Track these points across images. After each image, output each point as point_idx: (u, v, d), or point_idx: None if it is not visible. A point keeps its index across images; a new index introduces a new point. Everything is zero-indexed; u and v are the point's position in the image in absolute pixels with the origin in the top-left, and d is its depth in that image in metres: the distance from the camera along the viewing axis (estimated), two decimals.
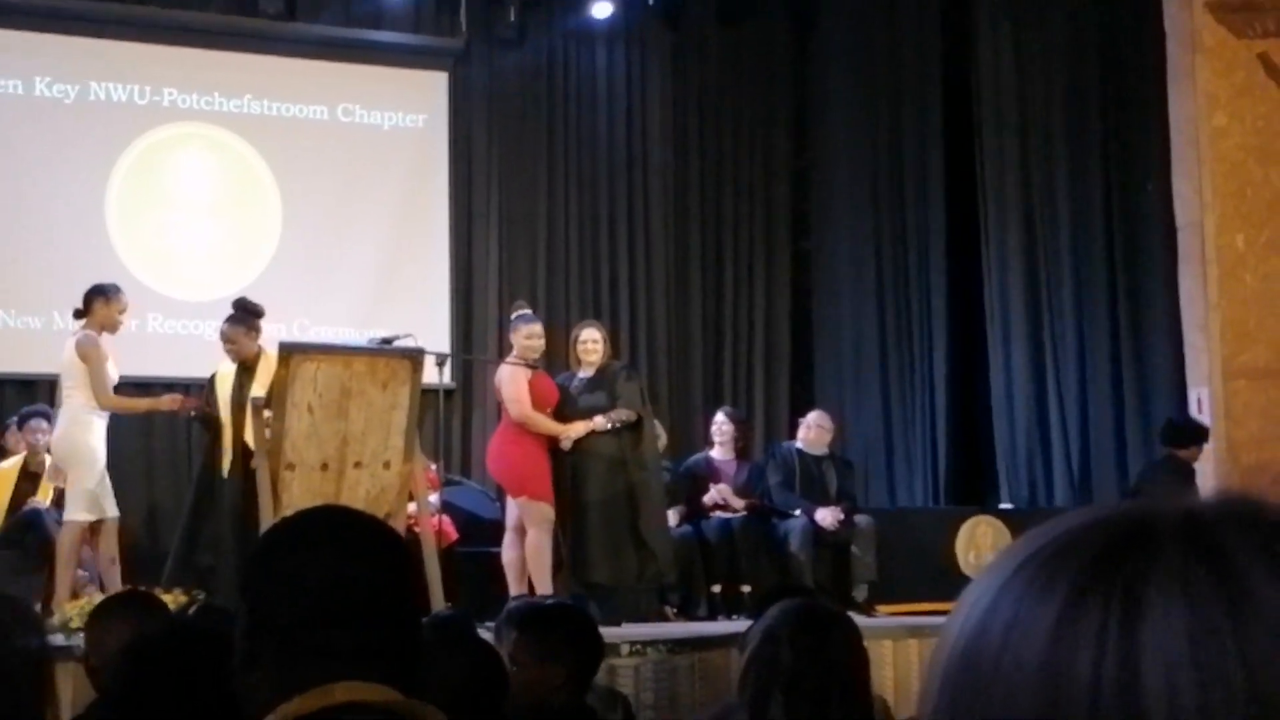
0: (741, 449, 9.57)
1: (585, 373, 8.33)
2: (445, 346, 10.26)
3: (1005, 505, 10.30)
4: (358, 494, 7.24)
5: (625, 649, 6.70)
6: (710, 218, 11.96)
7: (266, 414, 7.19)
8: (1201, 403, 8.65)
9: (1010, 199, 10.65)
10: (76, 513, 7.54)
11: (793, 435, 9.85)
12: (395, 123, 11.18)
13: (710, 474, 9.37)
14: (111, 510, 7.68)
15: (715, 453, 9.50)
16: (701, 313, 11.88)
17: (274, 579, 1.66)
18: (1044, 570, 0.64)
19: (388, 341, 7.58)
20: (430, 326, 10.46)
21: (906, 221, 11.42)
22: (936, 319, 11.15)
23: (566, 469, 7.99)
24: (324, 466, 7.17)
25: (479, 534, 9.34)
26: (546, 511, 7.78)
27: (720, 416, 9.69)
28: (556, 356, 11.06)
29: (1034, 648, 0.62)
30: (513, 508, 7.95)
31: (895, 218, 11.48)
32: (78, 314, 7.68)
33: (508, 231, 11.39)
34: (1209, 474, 8.58)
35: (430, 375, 7.95)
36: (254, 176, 10.82)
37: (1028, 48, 10.65)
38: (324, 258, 10.74)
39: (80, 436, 7.53)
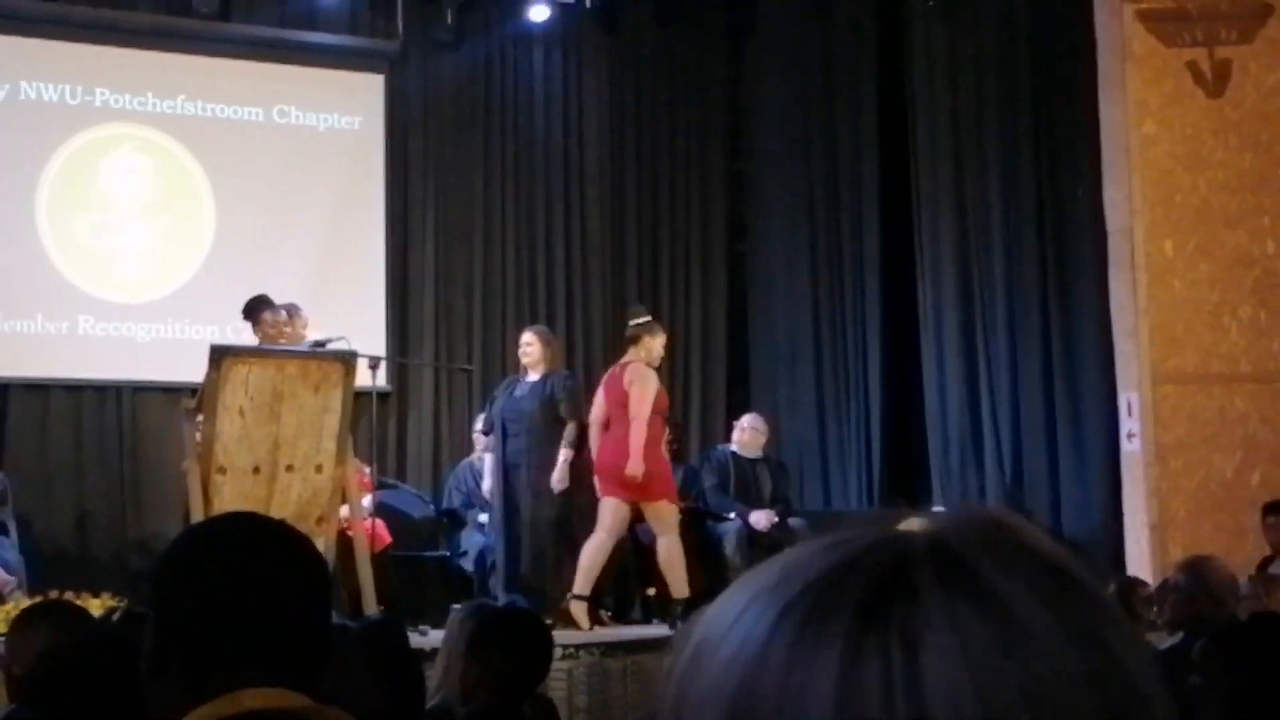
0: (676, 452, 9.59)
1: (530, 377, 8.36)
2: (381, 350, 10.22)
3: (939, 508, 10.30)
4: (289, 498, 7.22)
5: (558, 653, 6.70)
6: (646, 221, 11.98)
7: (198, 418, 7.15)
8: (1131, 407, 8.75)
9: (943, 204, 10.73)
10: None
11: (728, 438, 9.90)
12: (331, 124, 11.12)
13: None
14: None
15: None
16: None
17: (182, 585, 1.66)
18: (813, 619, 0.63)
19: (320, 344, 7.56)
20: (366, 330, 10.42)
21: (841, 226, 11.48)
22: (871, 322, 11.22)
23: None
24: (255, 470, 7.14)
25: (413, 537, 9.33)
26: (676, 513, 8.21)
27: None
28: (493, 363, 11.08)
29: (819, 703, 0.61)
30: (616, 509, 8.03)
31: (830, 222, 11.54)
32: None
33: (444, 235, 11.36)
34: (1138, 479, 8.67)
35: (364, 378, 7.95)
36: (187, 178, 10.73)
37: (961, 55, 10.73)
38: (258, 260, 10.66)
39: None
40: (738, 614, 0.65)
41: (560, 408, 8.24)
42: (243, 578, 1.64)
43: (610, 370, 8.52)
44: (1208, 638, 4.25)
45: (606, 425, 8.22)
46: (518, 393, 8.37)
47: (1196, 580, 5.16)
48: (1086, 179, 9.44)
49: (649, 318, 8.56)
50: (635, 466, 7.91)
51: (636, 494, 8.05)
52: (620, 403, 8.11)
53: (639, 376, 8.10)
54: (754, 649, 0.63)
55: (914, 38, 10.96)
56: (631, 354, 8.26)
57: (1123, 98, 8.82)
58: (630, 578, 8.95)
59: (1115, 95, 8.88)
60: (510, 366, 9.70)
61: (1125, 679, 0.63)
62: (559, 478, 8.15)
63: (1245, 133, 8.74)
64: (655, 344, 8.26)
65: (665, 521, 8.14)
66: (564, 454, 8.16)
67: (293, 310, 8.29)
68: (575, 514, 8.21)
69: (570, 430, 8.24)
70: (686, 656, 0.66)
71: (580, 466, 8.29)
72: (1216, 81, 8.78)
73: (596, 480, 8.19)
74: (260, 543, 1.69)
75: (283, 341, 7.98)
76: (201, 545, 1.72)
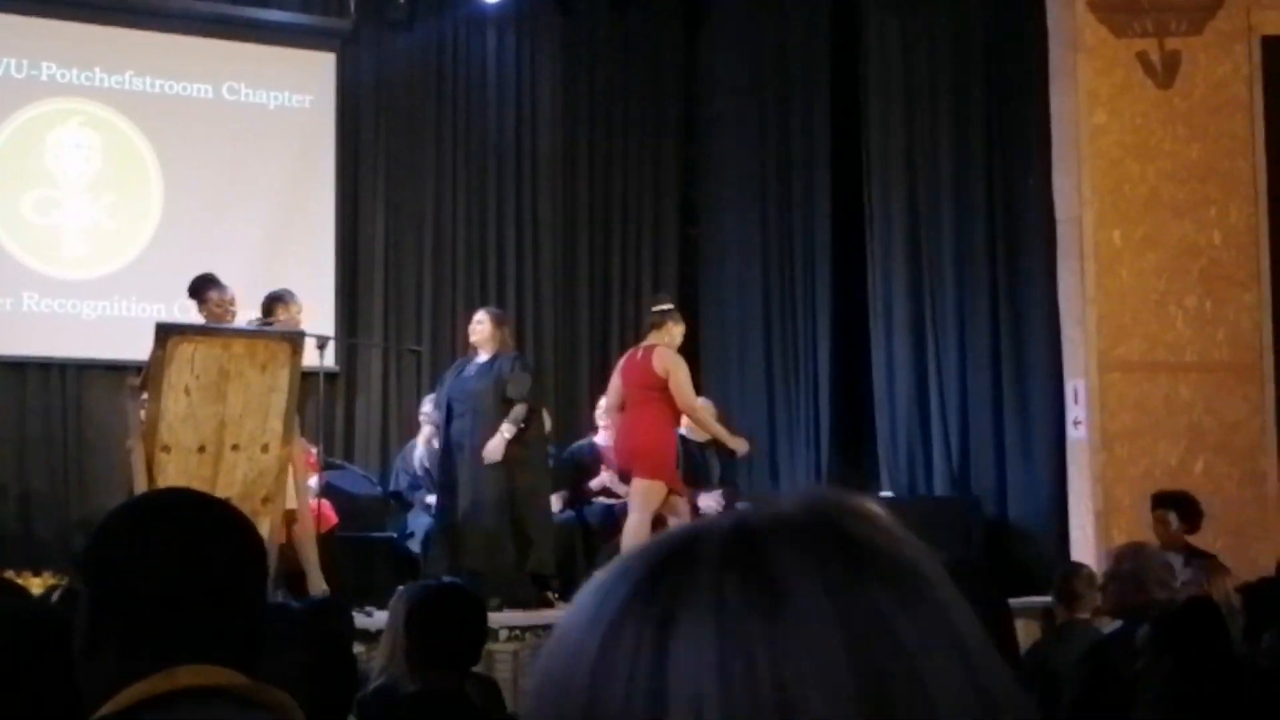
0: None
1: (480, 358, 8.34)
2: (330, 330, 10.17)
3: (886, 493, 10.41)
4: (235, 477, 7.18)
5: (504, 634, 6.71)
6: (598, 203, 11.96)
7: (142, 396, 7.09)
8: (1077, 395, 8.81)
9: (895, 191, 10.76)
10: None
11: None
12: (281, 103, 11.03)
13: (594, 460, 9.38)
14: None
15: (599, 438, 9.52)
16: (589, 299, 11.87)
17: (116, 560, 1.64)
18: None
19: (267, 323, 7.51)
20: (315, 310, 10.36)
21: (793, 211, 11.50)
22: (821, 308, 11.25)
23: None
24: (201, 449, 7.09)
25: (360, 518, 9.29)
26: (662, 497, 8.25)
27: (605, 403, 9.70)
28: (442, 345, 11.05)
29: (580, 678, 0.61)
30: (648, 490, 8.11)
31: (782, 207, 11.56)
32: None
33: (394, 216, 11.30)
34: (1083, 466, 8.74)
35: (312, 358, 7.91)
36: (135, 154, 10.62)
37: (914, 43, 10.75)
38: (207, 238, 10.56)
39: None
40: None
41: (508, 388, 8.21)
42: (178, 553, 1.62)
43: (629, 354, 8.58)
44: (1149, 623, 4.29)
45: (622, 408, 8.32)
46: (466, 373, 8.35)
47: (1133, 567, 5.21)
48: (1037, 168, 9.49)
49: (671, 305, 8.71)
50: (739, 443, 8.51)
51: (640, 468, 8.15)
52: (641, 384, 8.17)
53: (673, 362, 8.20)
54: (569, 614, 0.64)
55: (867, 26, 10.97)
56: (654, 337, 8.34)
57: (1073, 88, 8.87)
58: (579, 560, 8.94)
59: (1066, 85, 8.93)
60: (460, 348, 9.67)
61: (909, 676, 0.60)
62: (494, 448, 8.08)
63: (1194, 123, 8.81)
64: (677, 330, 8.40)
65: (649, 500, 8.12)
66: (505, 429, 8.12)
67: (287, 296, 8.19)
68: (518, 494, 8.19)
69: (518, 410, 8.20)
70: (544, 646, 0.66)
71: (529, 448, 8.27)
72: (1166, 72, 8.84)
73: (616, 463, 8.37)
74: (196, 519, 1.67)
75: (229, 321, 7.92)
76: (136, 520, 1.70)
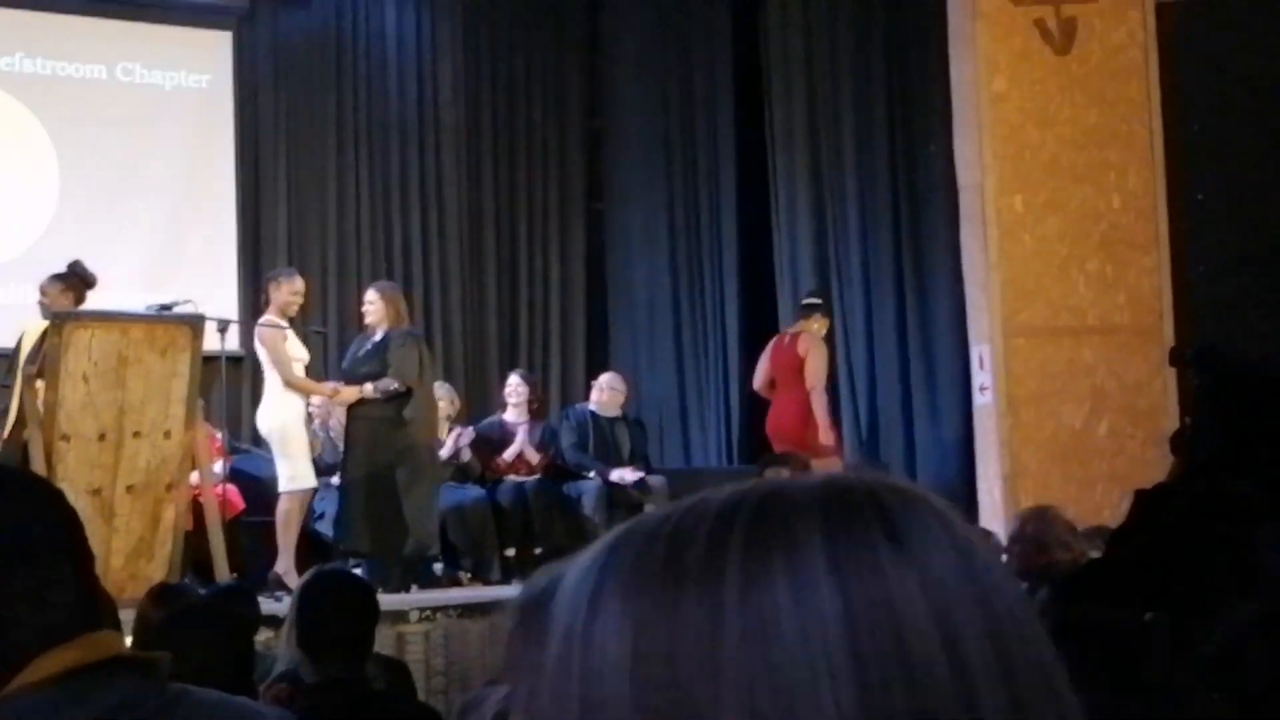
0: (536, 410, 9.57)
1: (375, 336, 8.24)
2: (234, 312, 10.04)
3: None
4: (138, 464, 7.07)
5: (414, 615, 6.66)
6: (504, 179, 11.89)
7: (39, 383, 6.96)
8: (983, 360, 8.88)
9: (799, 161, 10.78)
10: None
11: (588, 397, 9.89)
12: (177, 83, 10.86)
13: (504, 436, 9.35)
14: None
15: (509, 415, 9.48)
16: (496, 275, 11.80)
17: None
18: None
19: (166, 308, 7.39)
20: (218, 291, 10.24)
21: (699, 182, 11.49)
22: (729, 280, 11.26)
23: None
24: (101, 437, 6.98)
25: (268, 503, 9.17)
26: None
27: (514, 379, 9.67)
28: (349, 325, 10.94)
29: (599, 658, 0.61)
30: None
31: (688, 179, 11.55)
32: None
33: (297, 194, 11.17)
34: (990, 430, 8.82)
35: (214, 342, 7.81)
36: (29, 137, 10.41)
37: (815, 11, 10.76)
38: (106, 221, 10.39)
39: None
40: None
41: (388, 366, 8.07)
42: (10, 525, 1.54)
43: (777, 338, 9.33)
44: (1048, 585, 4.34)
45: (772, 387, 9.04)
46: (360, 352, 8.25)
47: (1036, 530, 5.27)
48: (939, 135, 9.54)
49: (821, 300, 9.37)
50: (826, 435, 8.84)
51: (805, 451, 8.49)
52: (788, 367, 8.87)
53: (815, 346, 8.92)
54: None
55: None
56: (803, 325, 9.09)
57: (973, 54, 8.90)
58: (489, 538, 8.90)
59: (965, 52, 8.97)
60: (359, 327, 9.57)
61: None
62: (348, 393, 8.01)
63: (1091, 89, 8.87)
64: (823, 325, 9.18)
65: None
66: (367, 388, 7.99)
67: (281, 275, 8.19)
68: (400, 477, 8.03)
69: (385, 381, 8.01)
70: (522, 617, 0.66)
71: (407, 429, 8.10)
72: (1063, 39, 8.90)
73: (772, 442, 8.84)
74: (11, 490, 1.60)
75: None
76: None
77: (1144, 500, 3.92)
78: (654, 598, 0.60)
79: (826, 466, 8.50)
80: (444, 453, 8.85)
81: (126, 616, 3.97)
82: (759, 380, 9.26)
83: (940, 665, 0.59)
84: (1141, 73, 8.90)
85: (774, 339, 9.37)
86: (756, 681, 0.58)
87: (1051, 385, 8.81)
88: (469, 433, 9.15)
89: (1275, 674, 2.08)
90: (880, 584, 0.60)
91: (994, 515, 8.50)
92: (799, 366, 8.85)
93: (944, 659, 0.59)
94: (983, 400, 8.90)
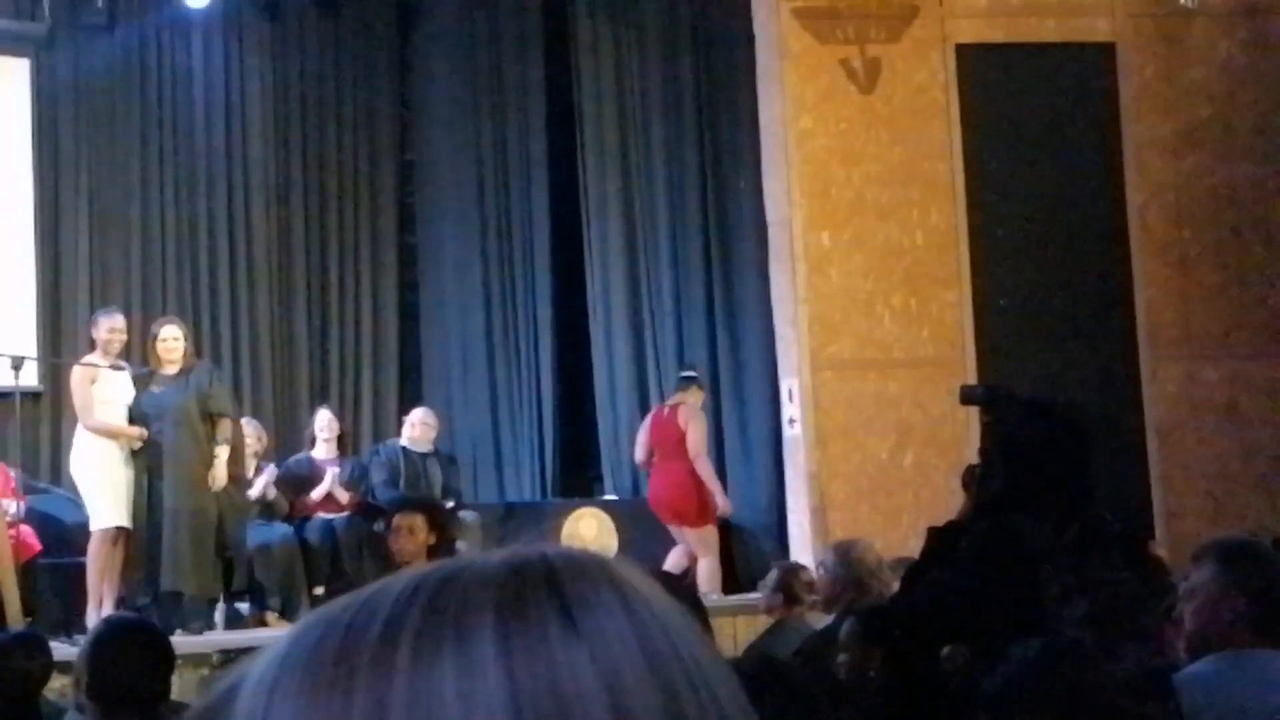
0: (345, 447, 9.46)
1: (169, 370, 8.04)
2: (32, 348, 9.73)
3: (610, 496, 10.50)
4: None
5: (216, 658, 6.51)
6: (314, 212, 11.73)
7: None
8: (793, 394, 9.00)
9: (611, 194, 10.84)
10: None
11: (400, 433, 9.79)
12: None
13: (313, 474, 9.21)
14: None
15: (317, 452, 9.35)
16: (306, 309, 11.62)
17: None
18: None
19: None
20: (16, 327, 9.93)
21: (511, 216, 11.48)
22: (542, 313, 11.26)
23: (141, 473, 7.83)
24: None
25: (68, 544, 8.89)
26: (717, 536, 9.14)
27: (323, 415, 9.55)
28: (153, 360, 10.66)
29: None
30: (700, 535, 9.03)
31: (500, 212, 11.53)
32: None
33: (99, 227, 10.88)
34: (800, 463, 8.94)
35: (7, 378, 7.57)
36: None
37: (625, 48, 10.85)
38: None
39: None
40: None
41: (210, 403, 7.95)
42: None
43: (655, 410, 9.48)
44: (853, 618, 4.40)
45: (650, 458, 9.24)
46: (156, 388, 8.03)
47: (843, 563, 5.35)
48: (748, 172, 9.67)
49: (696, 373, 9.58)
50: (722, 500, 9.11)
51: (689, 520, 9.02)
52: (670, 439, 9.05)
53: (695, 418, 9.09)
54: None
55: (579, 28, 11.03)
56: (680, 397, 9.20)
57: (780, 93, 9.05)
58: (299, 576, 8.75)
59: (773, 90, 9.12)
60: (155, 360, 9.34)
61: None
62: (219, 474, 7.87)
63: (895, 128, 9.08)
64: (699, 396, 9.31)
65: (709, 544, 9.00)
66: (221, 451, 7.89)
67: (98, 316, 8.06)
68: (225, 511, 7.94)
69: (225, 427, 7.94)
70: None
71: (236, 464, 8.03)
72: (868, 79, 9.10)
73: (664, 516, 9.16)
74: None
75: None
76: None
77: (935, 536, 4.00)
78: (326, 692, 0.59)
79: (702, 536, 9.00)
80: (252, 492, 8.70)
81: None
82: (640, 453, 9.37)
83: None
84: (943, 112, 9.13)
85: (653, 411, 9.49)
86: None
87: (859, 418, 8.97)
88: (272, 470, 9.01)
89: (1053, 711, 2.13)
90: (549, 664, 0.59)
91: (804, 547, 8.61)
92: (680, 438, 9.00)
93: None
94: (792, 433, 9.03)
